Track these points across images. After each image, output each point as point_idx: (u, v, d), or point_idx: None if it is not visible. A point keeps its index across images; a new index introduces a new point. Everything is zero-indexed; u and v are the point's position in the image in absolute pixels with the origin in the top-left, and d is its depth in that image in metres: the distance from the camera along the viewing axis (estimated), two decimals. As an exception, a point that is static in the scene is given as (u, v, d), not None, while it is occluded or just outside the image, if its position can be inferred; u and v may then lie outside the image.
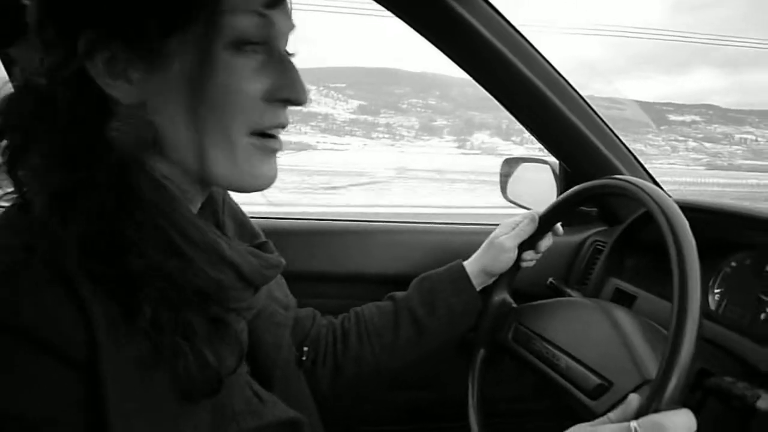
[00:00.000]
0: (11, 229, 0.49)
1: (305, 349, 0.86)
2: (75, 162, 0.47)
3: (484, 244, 0.97)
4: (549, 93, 1.03)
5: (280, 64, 0.53)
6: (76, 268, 0.44)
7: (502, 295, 0.97)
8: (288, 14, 0.54)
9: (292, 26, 0.55)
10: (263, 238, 0.69)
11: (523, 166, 1.38)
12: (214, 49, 0.48)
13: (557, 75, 1.05)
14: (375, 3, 0.95)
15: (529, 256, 0.97)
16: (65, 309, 0.43)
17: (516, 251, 0.94)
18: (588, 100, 1.10)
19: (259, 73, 0.51)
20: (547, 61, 1.03)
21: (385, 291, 1.00)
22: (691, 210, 0.71)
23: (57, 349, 0.43)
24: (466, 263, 0.97)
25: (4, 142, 0.49)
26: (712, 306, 0.90)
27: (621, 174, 1.12)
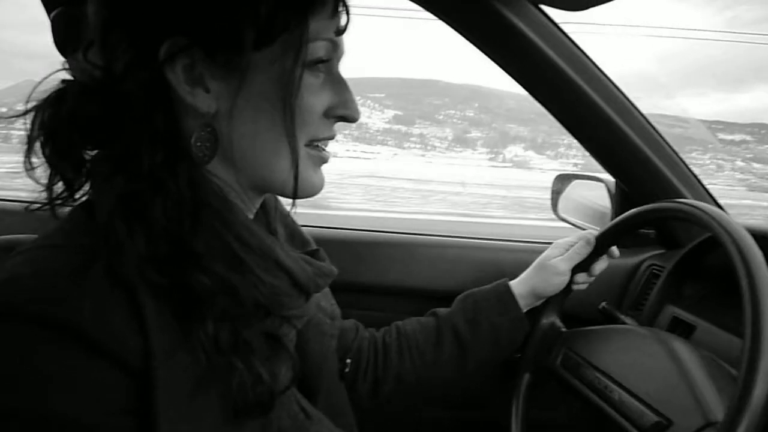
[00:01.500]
0: (78, 232, 0.49)
1: (348, 361, 0.86)
2: (144, 167, 0.48)
3: (534, 264, 0.94)
4: (607, 108, 0.99)
5: (338, 83, 0.57)
6: (137, 276, 0.45)
7: (551, 319, 0.93)
8: (343, 40, 0.58)
9: (344, 51, 0.59)
10: (314, 246, 0.70)
11: (576, 183, 1.34)
12: (296, 69, 0.51)
13: (615, 89, 1.00)
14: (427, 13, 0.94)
15: (582, 279, 0.93)
16: (124, 315, 0.44)
17: (569, 275, 0.91)
18: (647, 117, 1.05)
19: (323, 91, 0.55)
20: (605, 75, 0.99)
21: (429, 306, 0.98)
22: (761, 238, 0.67)
23: (113, 354, 0.43)
24: (513, 283, 0.94)
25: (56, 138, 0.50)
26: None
27: (682, 196, 1.06)
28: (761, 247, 0.61)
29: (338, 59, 0.58)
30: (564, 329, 0.92)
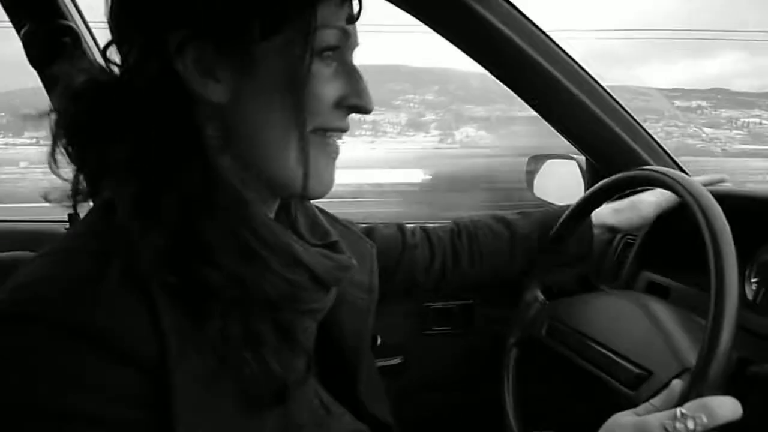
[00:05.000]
0: (92, 235, 0.50)
1: (378, 338, 0.89)
2: (161, 165, 0.48)
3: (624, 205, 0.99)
4: (572, 87, 1.03)
5: (351, 73, 0.56)
6: (152, 278, 0.46)
7: (534, 293, 0.97)
8: (356, 30, 0.57)
9: (358, 41, 0.57)
10: (335, 237, 0.68)
11: (549, 162, 1.38)
12: (305, 57, 0.50)
13: (579, 68, 1.04)
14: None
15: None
16: (139, 318, 0.45)
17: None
18: (611, 92, 1.09)
19: (334, 80, 0.54)
20: (569, 55, 1.03)
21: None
22: (723, 198, 0.71)
23: (128, 356, 0.44)
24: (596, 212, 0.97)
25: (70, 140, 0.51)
26: (750, 296, 0.89)
27: (649, 165, 1.11)
28: (723, 208, 0.65)
29: (351, 48, 0.57)
30: (546, 302, 0.96)
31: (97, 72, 0.52)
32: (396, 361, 1.18)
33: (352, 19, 0.54)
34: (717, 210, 0.63)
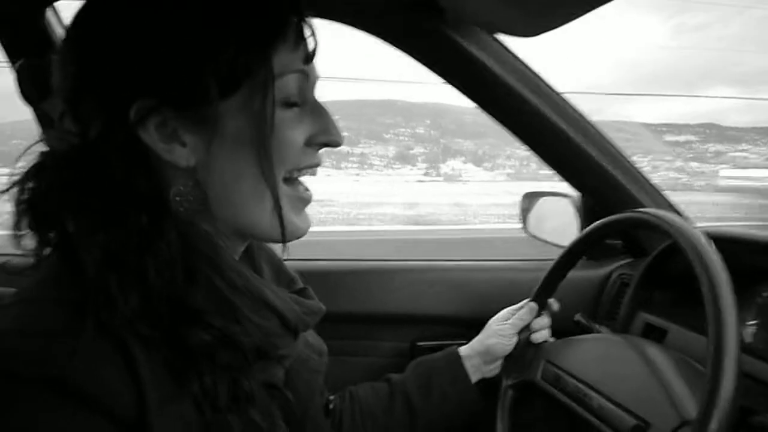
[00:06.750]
0: (62, 285, 0.48)
1: (331, 397, 0.86)
2: (130, 229, 0.48)
3: (484, 330, 0.97)
4: (565, 127, 1.03)
5: (315, 110, 0.56)
6: (127, 329, 0.45)
7: (528, 333, 0.95)
8: (315, 65, 0.57)
9: (318, 75, 0.58)
10: (301, 284, 0.69)
11: (544, 200, 1.37)
12: (267, 110, 0.51)
13: (569, 106, 1.05)
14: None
15: (538, 326, 0.96)
16: (117, 370, 0.44)
17: (515, 338, 0.94)
18: (602, 130, 1.09)
19: (300, 122, 0.55)
20: (560, 94, 1.04)
21: (409, 331, 0.97)
22: (718, 241, 0.70)
23: (107, 408, 0.43)
24: (464, 348, 0.96)
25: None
26: (748, 339, 0.87)
27: (642, 205, 1.11)
28: (719, 250, 0.64)
29: (312, 86, 0.57)
30: (541, 342, 0.94)
31: (55, 141, 0.52)
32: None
33: (310, 58, 0.55)
34: (715, 259, 0.62)
